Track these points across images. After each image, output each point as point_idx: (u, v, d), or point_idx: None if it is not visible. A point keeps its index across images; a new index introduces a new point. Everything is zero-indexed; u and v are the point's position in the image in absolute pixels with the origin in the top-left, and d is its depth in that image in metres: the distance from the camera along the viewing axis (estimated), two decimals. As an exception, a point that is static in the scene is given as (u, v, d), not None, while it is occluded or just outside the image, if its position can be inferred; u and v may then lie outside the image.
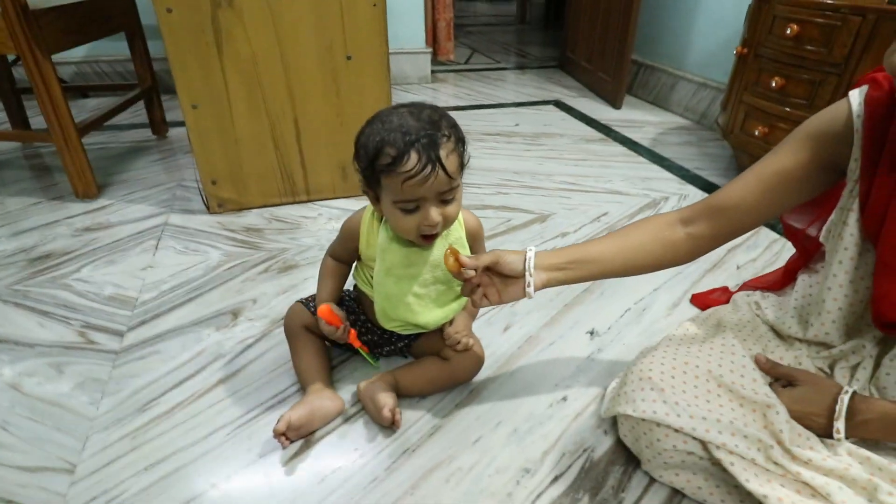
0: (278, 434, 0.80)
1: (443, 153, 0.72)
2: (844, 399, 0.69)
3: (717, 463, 0.70)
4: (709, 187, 1.74)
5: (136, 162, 1.89)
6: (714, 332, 0.86)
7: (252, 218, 1.52)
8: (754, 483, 0.65)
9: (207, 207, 1.54)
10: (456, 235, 0.86)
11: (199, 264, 1.31)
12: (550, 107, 2.55)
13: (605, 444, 0.84)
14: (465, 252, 0.86)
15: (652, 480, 0.78)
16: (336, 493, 0.76)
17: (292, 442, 0.83)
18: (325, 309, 0.89)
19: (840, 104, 0.70)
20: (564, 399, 0.93)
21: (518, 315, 1.14)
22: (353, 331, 0.92)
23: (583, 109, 2.49)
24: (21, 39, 1.32)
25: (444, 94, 2.77)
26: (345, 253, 0.92)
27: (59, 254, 1.33)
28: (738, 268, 1.28)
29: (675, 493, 0.76)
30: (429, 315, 0.87)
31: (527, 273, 0.74)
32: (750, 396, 0.72)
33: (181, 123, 2.14)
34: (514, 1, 5.76)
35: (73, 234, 1.42)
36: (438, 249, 0.83)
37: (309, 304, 0.95)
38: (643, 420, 0.74)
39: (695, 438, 0.70)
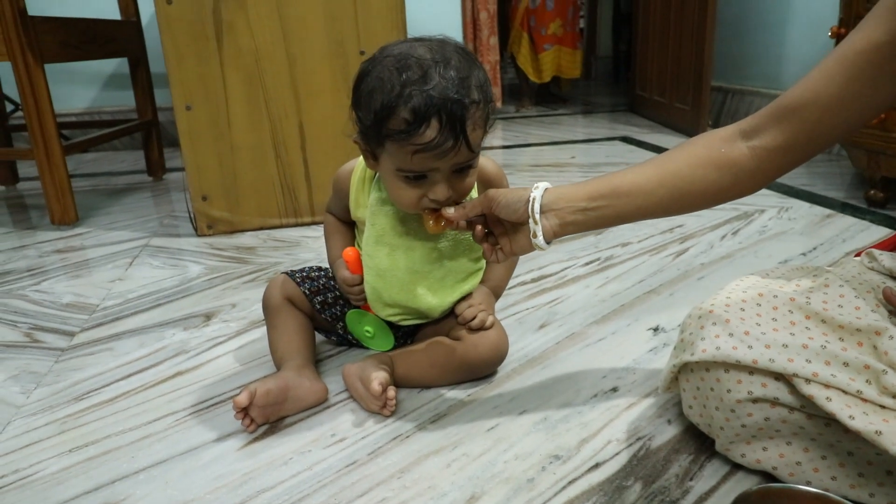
0: (239, 408, 0.78)
1: (469, 125, 0.71)
2: None
3: (814, 415, 0.63)
4: (820, 200, 1.69)
5: (124, 198, 2.06)
6: (803, 272, 0.81)
7: (245, 239, 1.60)
8: (861, 421, 0.58)
9: (195, 229, 1.64)
10: None
11: (175, 276, 1.37)
12: (616, 142, 2.63)
13: (667, 432, 0.78)
14: None
15: (734, 467, 0.71)
16: (300, 476, 0.73)
17: (258, 426, 0.81)
18: (353, 252, 0.88)
19: None
20: (615, 390, 0.88)
21: (558, 315, 1.11)
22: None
23: (657, 143, 2.55)
24: (14, 43, 1.54)
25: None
26: (341, 210, 0.95)
27: (20, 271, 1.43)
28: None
29: (765, 478, 0.68)
30: (432, 298, 0.87)
31: (530, 219, 0.71)
32: (852, 323, 0.66)
33: (180, 168, 2.33)
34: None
35: (41, 256, 1.53)
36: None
37: (296, 275, 0.97)
38: (707, 371, 0.69)
39: (776, 376, 0.64)
